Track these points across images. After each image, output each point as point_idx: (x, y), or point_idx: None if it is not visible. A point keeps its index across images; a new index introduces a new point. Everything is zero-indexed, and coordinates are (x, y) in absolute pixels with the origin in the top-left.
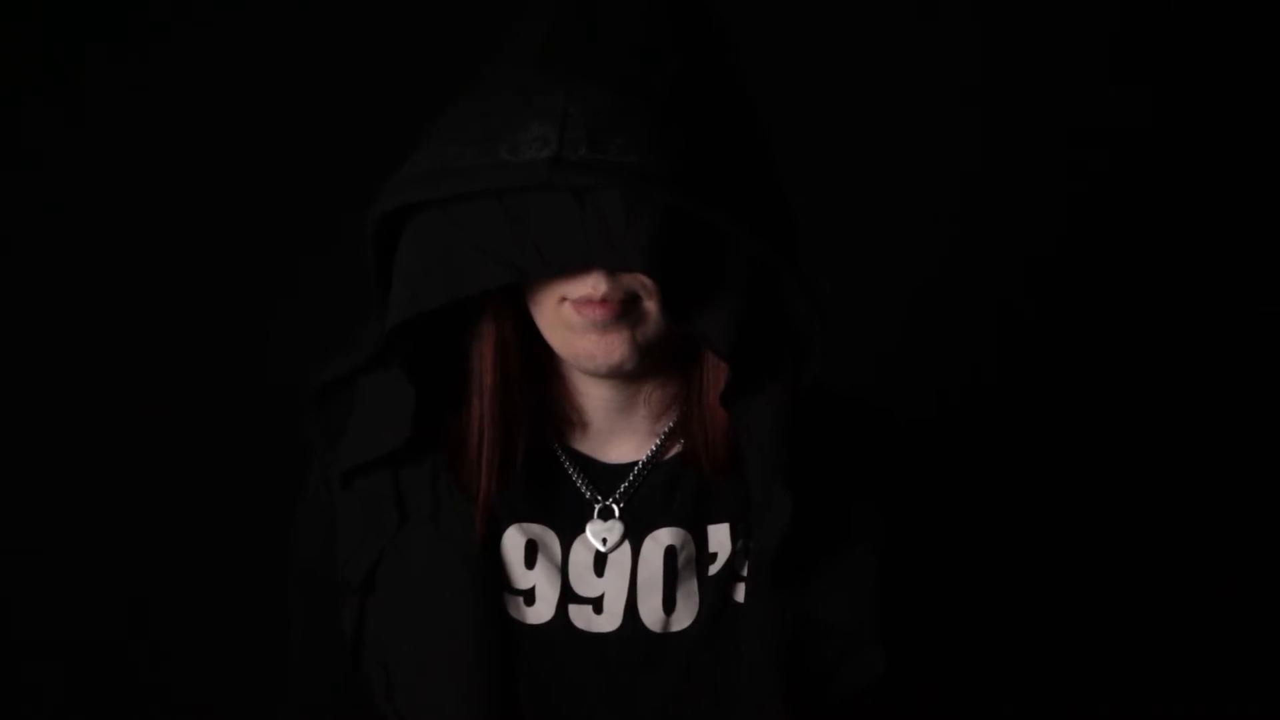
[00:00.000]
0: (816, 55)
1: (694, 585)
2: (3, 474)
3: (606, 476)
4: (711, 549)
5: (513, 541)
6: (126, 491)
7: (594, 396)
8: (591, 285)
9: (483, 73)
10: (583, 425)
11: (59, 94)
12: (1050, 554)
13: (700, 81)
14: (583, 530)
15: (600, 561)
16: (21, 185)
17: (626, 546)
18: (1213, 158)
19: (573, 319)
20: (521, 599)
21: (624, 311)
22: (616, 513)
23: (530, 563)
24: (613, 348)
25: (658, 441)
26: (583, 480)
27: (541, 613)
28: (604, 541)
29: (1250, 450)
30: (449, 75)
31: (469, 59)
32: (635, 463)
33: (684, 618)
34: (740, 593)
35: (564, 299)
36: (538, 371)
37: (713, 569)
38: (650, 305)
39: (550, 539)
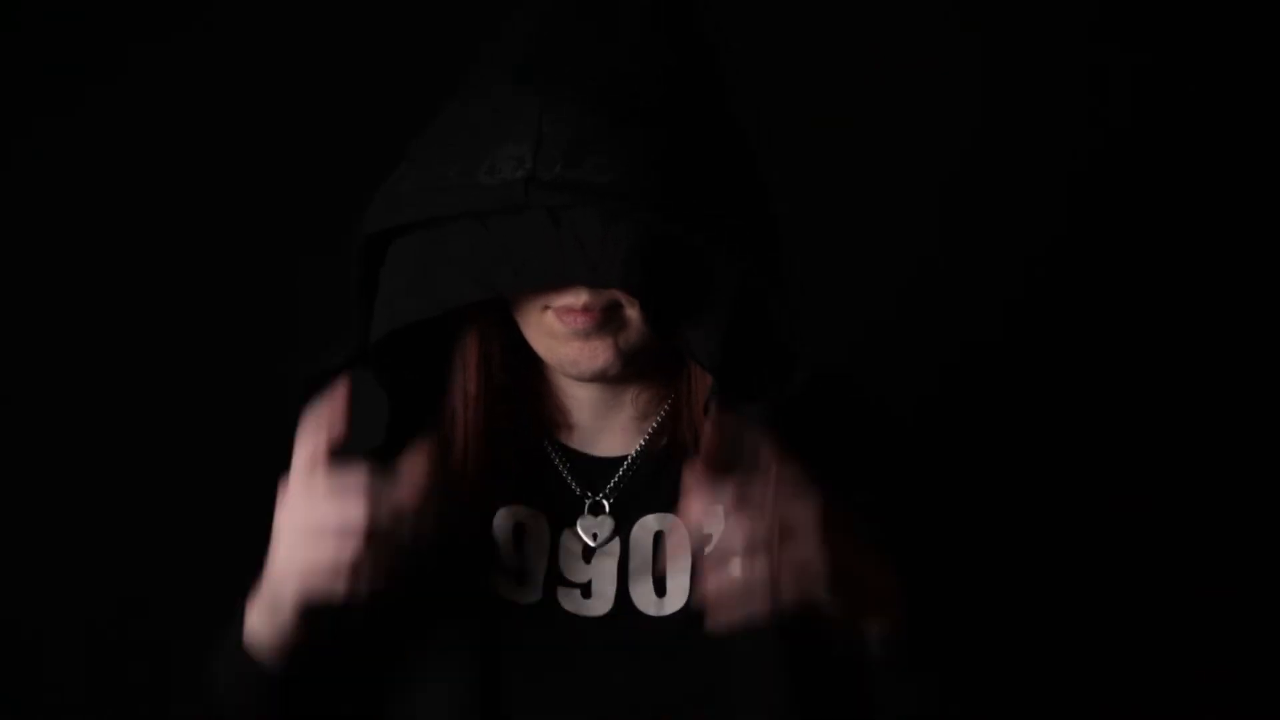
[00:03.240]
0: (817, 55)
1: (686, 565)
2: (3, 474)
3: (596, 470)
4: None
5: (501, 524)
6: (125, 492)
7: (579, 399)
8: (573, 295)
9: (468, 82)
10: (569, 425)
11: (59, 94)
12: (1050, 551)
13: (684, 96)
14: (572, 524)
15: (589, 551)
16: (21, 185)
17: (616, 538)
18: (1214, 157)
19: (556, 327)
20: (511, 579)
21: (606, 320)
22: (607, 508)
23: (518, 545)
24: (596, 354)
25: (645, 438)
26: (572, 477)
27: (529, 594)
28: (594, 536)
29: (1251, 448)
30: (448, 75)
31: (468, 59)
32: (625, 456)
33: (676, 600)
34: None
35: (546, 307)
36: (524, 371)
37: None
38: (632, 313)
39: (539, 524)
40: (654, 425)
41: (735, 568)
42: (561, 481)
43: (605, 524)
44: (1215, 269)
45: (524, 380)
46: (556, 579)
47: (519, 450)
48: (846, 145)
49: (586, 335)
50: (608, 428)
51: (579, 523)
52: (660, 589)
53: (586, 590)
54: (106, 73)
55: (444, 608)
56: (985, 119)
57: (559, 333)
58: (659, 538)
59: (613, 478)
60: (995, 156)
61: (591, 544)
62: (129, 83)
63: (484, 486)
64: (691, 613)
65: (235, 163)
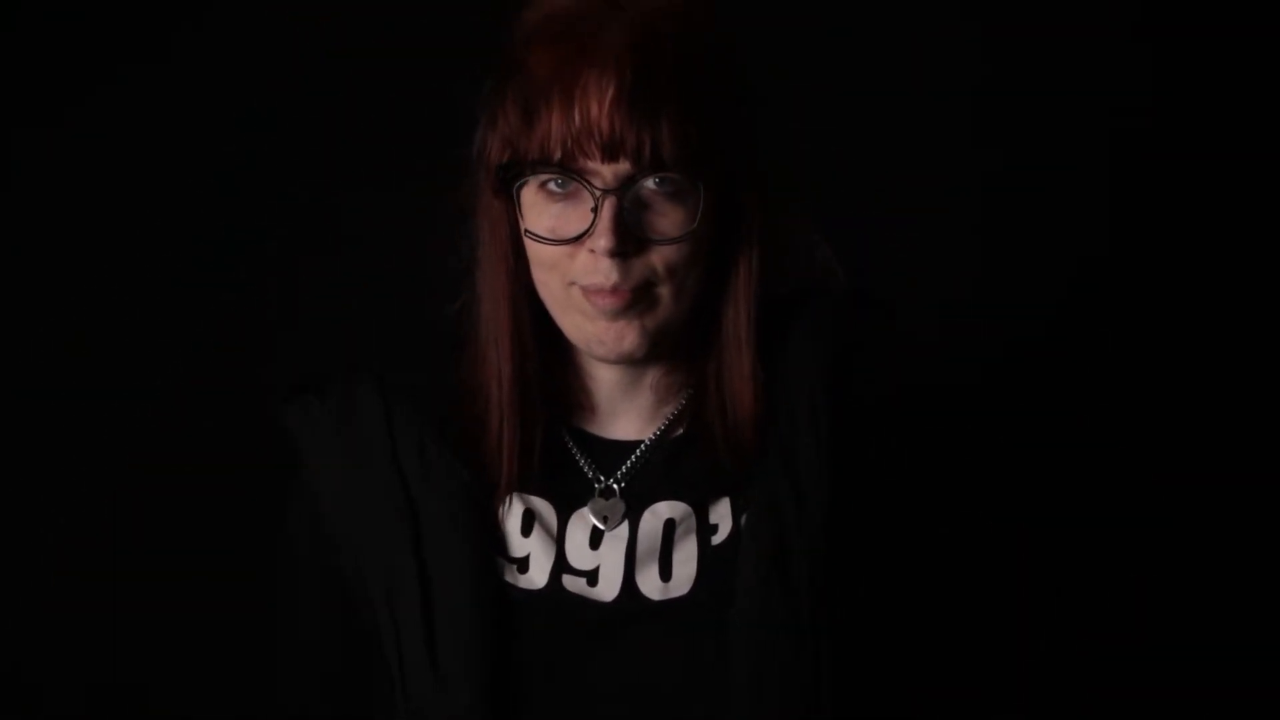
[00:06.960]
0: (827, 58)
1: (693, 553)
2: (3, 476)
3: (609, 453)
4: (713, 521)
5: (511, 510)
6: (124, 496)
7: (600, 379)
8: (604, 275)
9: None
10: (591, 408)
11: (59, 94)
12: (1092, 555)
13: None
14: (582, 506)
15: (597, 537)
16: (21, 186)
17: (625, 523)
18: (1221, 158)
19: (584, 304)
20: (515, 567)
21: (636, 299)
22: (618, 492)
23: (526, 532)
24: (623, 335)
25: (663, 424)
26: (585, 459)
27: (535, 580)
28: (604, 520)
29: (1251, 444)
30: (448, 75)
31: (468, 59)
32: (639, 441)
33: (681, 587)
34: (741, 564)
35: (573, 283)
36: (548, 352)
37: (715, 540)
38: (663, 291)
39: (548, 511)
40: (673, 411)
41: None
42: (574, 465)
43: (617, 508)
44: (1259, 269)
45: (547, 362)
46: (563, 566)
47: (540, 433)
48: (876, 145)
49: (615, 315)
50: (626, 411)
51: (590, 505)
52: (666, 574)
53: (593, 578)
54: (106, 74)
55: (452, 597)
56: (1023, 116)
57: (587, 311)
58: (669, 525)
59: (626, 461)
60: (1035, 156)
61: (601, 527)
62: (128, 83)
63: (510, 470)
64: (696, 597)
65: (234, 163)
